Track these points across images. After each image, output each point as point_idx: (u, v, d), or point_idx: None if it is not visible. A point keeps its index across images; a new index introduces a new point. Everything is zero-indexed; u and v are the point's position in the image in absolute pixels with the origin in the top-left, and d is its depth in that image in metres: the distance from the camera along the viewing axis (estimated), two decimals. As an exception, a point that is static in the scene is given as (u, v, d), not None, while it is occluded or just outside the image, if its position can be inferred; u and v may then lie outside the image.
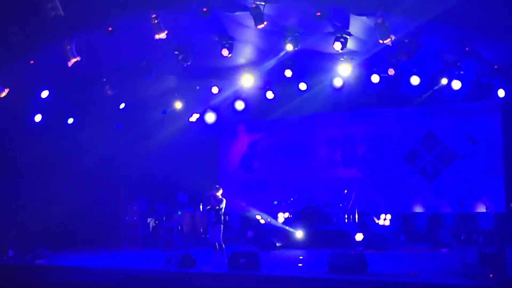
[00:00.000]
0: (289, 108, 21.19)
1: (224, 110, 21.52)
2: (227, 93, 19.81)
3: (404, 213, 19.74)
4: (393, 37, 13.64)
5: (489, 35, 13.71)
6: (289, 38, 14.75)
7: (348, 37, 14.58)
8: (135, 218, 19.92)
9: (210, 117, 21.88)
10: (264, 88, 19.46)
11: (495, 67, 16.08)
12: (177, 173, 21.71)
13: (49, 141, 18.00)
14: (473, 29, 13.41)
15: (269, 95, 19.90)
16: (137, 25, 13.77)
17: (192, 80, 18.67)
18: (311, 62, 17.56)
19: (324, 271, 12.31)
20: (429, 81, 17.95)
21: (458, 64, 16.28)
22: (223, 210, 15.35)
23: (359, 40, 15.21)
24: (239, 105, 20.83)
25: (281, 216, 20.42)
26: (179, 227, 19.71)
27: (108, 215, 20.07)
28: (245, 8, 13.16)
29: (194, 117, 21.59)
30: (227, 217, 19.99)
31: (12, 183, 17.24)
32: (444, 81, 17.44)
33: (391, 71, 16.73)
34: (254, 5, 12.90)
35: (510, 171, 18.53)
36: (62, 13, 12.73)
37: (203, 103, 21.00)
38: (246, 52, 16.56)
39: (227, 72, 18.18)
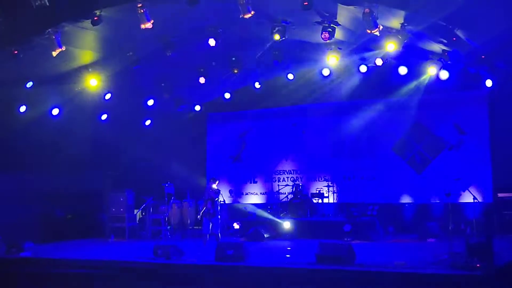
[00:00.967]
0: (276, 99, 21.14)
1: (212, 101, 21.44)
2: (215, 83, 19.70)
3: (392, 204, 19.75)
4: (381, 27, 13.59)
5: (475, 26, 13.72)
6: (276, 28, 14.68)
7: (335, 27, 14.52)
8: (121, 209, 19.79)
9: (198, 108, 21.81)
10: (252, 78, 19.39)
11: (482, 57, 16.05)
12: (164, 164, 21.61)
13: (34, 132, 17.81)
14: (459, 20, 13.42)
15: (257, 85, 19.84)
16: (123, 15, 13.63)
17: (179, 70, 18.54)
18: (299, 52, 17.50)
19: (312, 262, 12.31)
20: (416, 71, 17.93)
21: (446, 54, 16.25)
22: (219, 201, 15.53)
23: (346, 30, 15.15)
24: (227, 95, 20.77)
25: (268, 207, 20.39)
26: (166, 219, 19.63)
27: (94, 206, 19.94)
28: (232, -2, 13.07)
29: (181, 108, 21.49)
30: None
31: (-4, 175, 17.08)
32: (431, 70, 17.38)
33: (379, 61, 16.70)
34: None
35: (497, 161, 18.58)
36: (47, 3, 12.60)
37: (191, 93, 20.88)
38: (233, 42, 16.45)
39: (214, 61, 18.07)
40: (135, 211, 20.52)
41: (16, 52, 14.47)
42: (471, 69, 17.56)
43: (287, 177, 21.69)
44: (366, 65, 17.68)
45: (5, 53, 14.47)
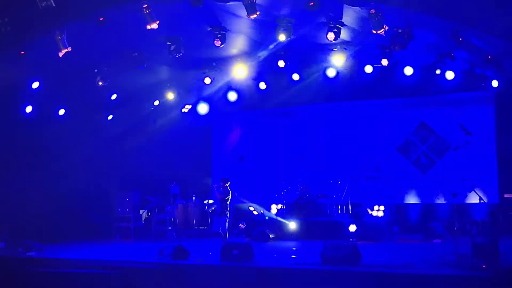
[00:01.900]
0: (282, 99, 21.13)
1: (217, 101, 21.44)
2: (220, 83, 19.72)
3: (397, 204, 19.72)
4: (386, 27, 13.58)
5: (481, 26, 13.68)
6: (282, 29, 14.66)
7: (341, 27, 14.50)
8: (127, 210, 19.86)
9: (203, 108, 21.79)
10: (257, 78, 19.38)
11: (489, 57, 16.02)
12: (169, 164, 21.65)
13: (40, 133, 17.87)
14: (465, 20, 13.39)
15: (262, 85, 19.83)
16: (128, 16, 13.65)
17: (184, 71, 18.56)
18: (304, 53, 17.48)
19: (317, 263, 12.30)
20: (422, 71, 17.91)
21: (452, 54, 16.22)
22: (228, 201, 15.64)
23: (352, 30, 15.14)
24: (232, 96, 20.75)
25: (274, 208, 20.38)
26: (172, 219, 19.66)
27: (100, 207, 19.98)
28: (237, -2, 13.07)
29: (186, 108, 21.50)
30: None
31: (4, 175, 17.10)
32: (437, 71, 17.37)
33: (384, 62, 16.70)
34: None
35: (503, 161, 18.54)
36: (53, 4, 12.63)
37: (196, 94, 20.89)
38: (238, 43, 16.46)
39: (220, 62, 18.08)
40: (141, 211, 20.57)
41: (22, 52, 14.52)
42: (478, 69, 17.53)
43: (293, 177, 21.66)
44: (371, 65, 17.66)
45: (11, 53, 14.51)
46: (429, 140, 19.88)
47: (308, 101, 21.17)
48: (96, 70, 17.07)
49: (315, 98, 20.91)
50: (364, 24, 14.05)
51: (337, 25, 14.42)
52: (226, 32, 15.12)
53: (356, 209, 18.47)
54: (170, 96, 20.21)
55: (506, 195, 17.88)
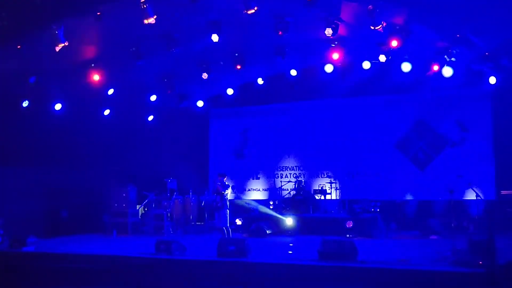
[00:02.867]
0: (279, 95, 21.16)
1: (214, 96, 21.42)
2: (218, 79, 19.68)
3: (394, 200, 19.73)
4: (384, 23, 13.56)
5: (479, 23, 13.68)
6: (280, 24, 14.64)
7: (339, 23, 14.48)
8: (124, 205, 19.81)
9: (200, 104, 21.79)
10: (255, 74, 19.36)
11: (486, 54, 16.02)
12: (166, 159, 21.62)
13: (36, 127, 17.82)
14: (463, 16, 13.38)
15: (260, 81, 19.81)
16: (125, 10, 13.61)
17: (181, 65, 18.52)
18: (302, 48, 17.46)
19: (314, 258, 12.29)
20: (420, 68, 17.89)
21: (449, 51, 16.21)
22: (228, 196, 15.72)
23: (350, 26, 15.11)
24: (230, 91, 20.74)
25: (271, 203, 20.39)
26: (169, 214, 19.64)
27: (96, 202, 19.95)
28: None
29: (184, 103, 21.47)
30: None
31: (-1, 170, 17.10)
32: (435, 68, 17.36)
33: (382, 58, 16.67)
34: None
35: (500, 158, 18.56)
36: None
37: (193, 89, 20.86)
38: (235, 38, 16.42)
39: (217, 57, 18.04)
40: (138, 206, 20.53)
41: (19, 47, 14.47)
42: (475, 66, 17.52)
43: (290, 174, 21.68)
44: (369, 61, 17.66)
45: (8, 48, 14.46)
46: (426, 137, 19.87)
47: (306, 97, 21.21)
48: (93, 65, 17.01)
49: (312, 94, 20.95)
50: (362, 20, 14.02)
51: (335, 21, 14.40)
52: (223, 27, 15.09)
53: (353, 205, 18.46)
54: (167, 91, 20.15)
55: (503, 192, 17.88)
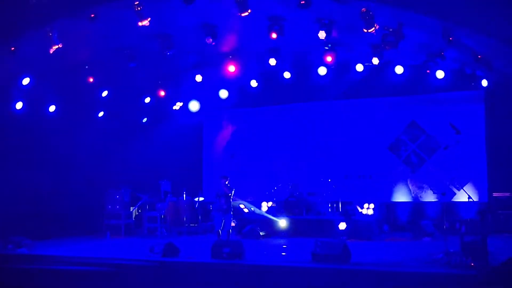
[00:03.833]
0: (273, 97, 21.19)
1: (208, 99, 21.42)
2: (211, 81, 19.70)
3: (387, 203, 19.80)
4: (377, 26, 13.62)
5: (471, 26, 13.73)
6: (274, 27, 14.68)
7: (332, 25, 14.53)
8: (117, 207, 19.78)
9: (194, 106, 21.77)
10: (248, 76, 19.38)
11: (479, 57, 16.10)
12: (160, 161, 21.63)
13: (30, 129, 17.78)
14: (456, 19, 13.43)
15: (253, 83, 19.84)
16: (120, 12, 13.61)
17: (175, 68, 18.53)
18: (296, 51, 17.50)
19: (307, 260, 12.33)
20: (413, 70, 17.98)
21: (442, 53, 16.28)
22: (232, 197, 15.70)
23: (343, 29, 15.16)
24: (223, 94, 20.75)
25: (265, 205, 20.39)
26: (162, 216, 19.64)
27: (90, 204, 19.91)
28: (229, -5, 13.07)
29: (177, 106, 21.47)
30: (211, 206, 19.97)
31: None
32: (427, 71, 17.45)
33: (375, 61, 16.73)
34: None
35: (493, 160, 18.64)
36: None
37: (187, 91, 20.87)
38: (230, 40, 16.45)
39: (211, 60, 18.06)
40: (131, 208, 20.51)
41: (13, 48, 14.44)
42: (468, 69, 17.62)
43: (283, 175, 21.68)
44: (362, 64, 17.71)
45: (2, 49, 14.43)
46: (419, 139, 19.94)
47: (300, 99, 21.25)
48: (87, 67, 17.00)
49: (306, 97, 21.00)
50: (355, 23, 14.07)
51: (328, 23, 14.44)
52: (217, 29, 15.12)
53: (346, 207, 18.50)
54: (161, 93, 20.16)
55: (495, 194, 17.97)
